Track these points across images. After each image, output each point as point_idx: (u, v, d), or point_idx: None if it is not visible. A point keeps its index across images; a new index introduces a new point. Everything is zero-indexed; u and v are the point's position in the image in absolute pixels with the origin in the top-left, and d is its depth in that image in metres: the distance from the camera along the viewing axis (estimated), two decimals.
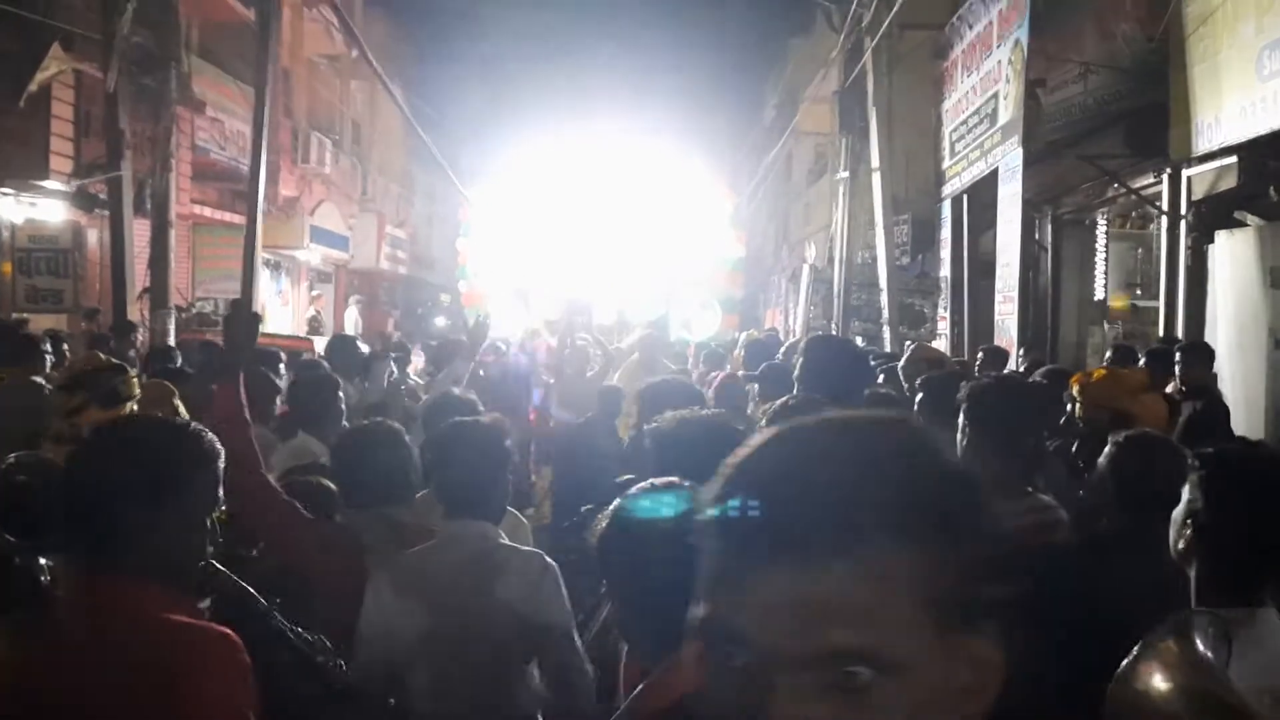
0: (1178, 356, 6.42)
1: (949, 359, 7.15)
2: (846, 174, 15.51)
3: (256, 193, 4.05)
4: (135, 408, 3.34)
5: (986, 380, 3.03)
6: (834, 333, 14.40)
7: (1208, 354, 6.68)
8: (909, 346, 9.86)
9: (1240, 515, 1.93)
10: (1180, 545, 1.99)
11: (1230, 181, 7.94)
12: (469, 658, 2.59)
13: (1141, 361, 6.83)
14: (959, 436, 2.81)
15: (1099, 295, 10.93)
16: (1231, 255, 7.90)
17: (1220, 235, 8.07)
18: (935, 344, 12.32)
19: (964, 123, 12.78)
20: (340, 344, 7.71)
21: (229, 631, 1.81)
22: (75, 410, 3.14)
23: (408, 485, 2.97)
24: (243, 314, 3.13)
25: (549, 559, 2.76)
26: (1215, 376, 7.54)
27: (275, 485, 2.86)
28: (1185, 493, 2.01)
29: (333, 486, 3.15)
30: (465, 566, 2.65)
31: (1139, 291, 10.51)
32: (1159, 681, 1.24)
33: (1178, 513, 2.01)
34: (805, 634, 0.73)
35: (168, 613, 1.81)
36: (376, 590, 2.64)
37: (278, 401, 4.70)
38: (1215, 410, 5.25)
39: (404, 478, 2.97)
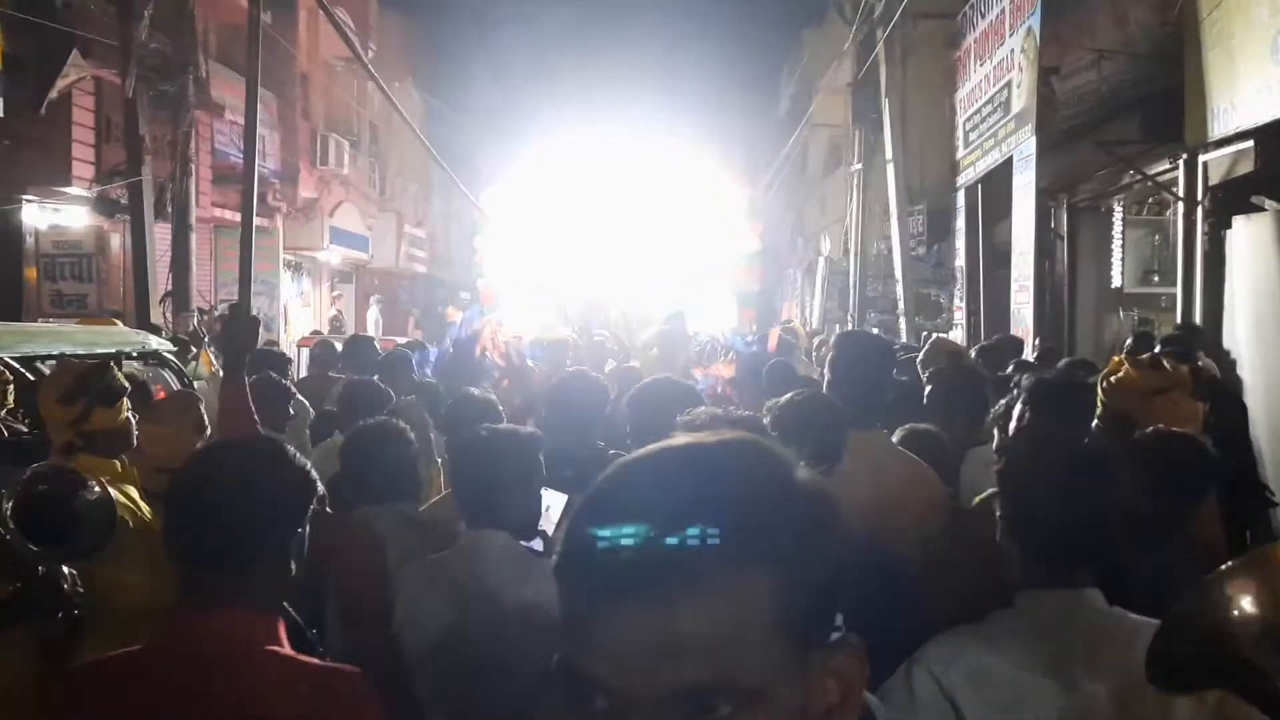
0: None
1: (968, 352, 7.14)
2: (860, 166, 15.51)
3: (252, 192, 4.05)
4: (127, 401, 3.35)
5: (1050, 374, 3.05)
6: (850, 324, 14.41)
7: (1192, 353, 6.64)
8: (925, 337, 9.81)
9: (1027, 508, 2.00)
10: (999, 536, 2.06)
11: (1247, 166, 7.88)
12: (496, 665, 2.52)
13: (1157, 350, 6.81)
14: (1014, 425, 2.84)
15: (1116, 283, 10.88)
16: (1250, 240, 7.85)
17: (1238, 220, 8.02)
18: (952, 334, 12.31)
19: (977, 112, 12.75)
20: (357, 344, 7.81)
21: (358, 671, 1.76)
22: (81, 417, 3.17)
23: (415, 481, 3.04)
24: (242, 317, 3.15)
25: None
26: (1231, 364, 7.52)
27: None
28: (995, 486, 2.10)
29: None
30: (492, 569, 2.58)
31: (1155, 278, 10.44)
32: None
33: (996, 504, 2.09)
34: (658, 673, 0.72)
35: (277, 646, 1.74)
36: (404, 589, 2.64)
37: (290, 404, 4.78)
38: (1228, 405, 5.22)
39: (411, 473, 3.03)
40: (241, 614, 1.73)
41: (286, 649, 1.76)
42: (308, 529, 1.84)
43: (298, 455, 1.89)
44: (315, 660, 1.77)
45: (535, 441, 2.69)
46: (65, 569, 2.64)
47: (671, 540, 0.73)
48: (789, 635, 0.75)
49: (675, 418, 2.70)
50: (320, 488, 1.89)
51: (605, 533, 0.75)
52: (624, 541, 0.74)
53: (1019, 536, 2.00)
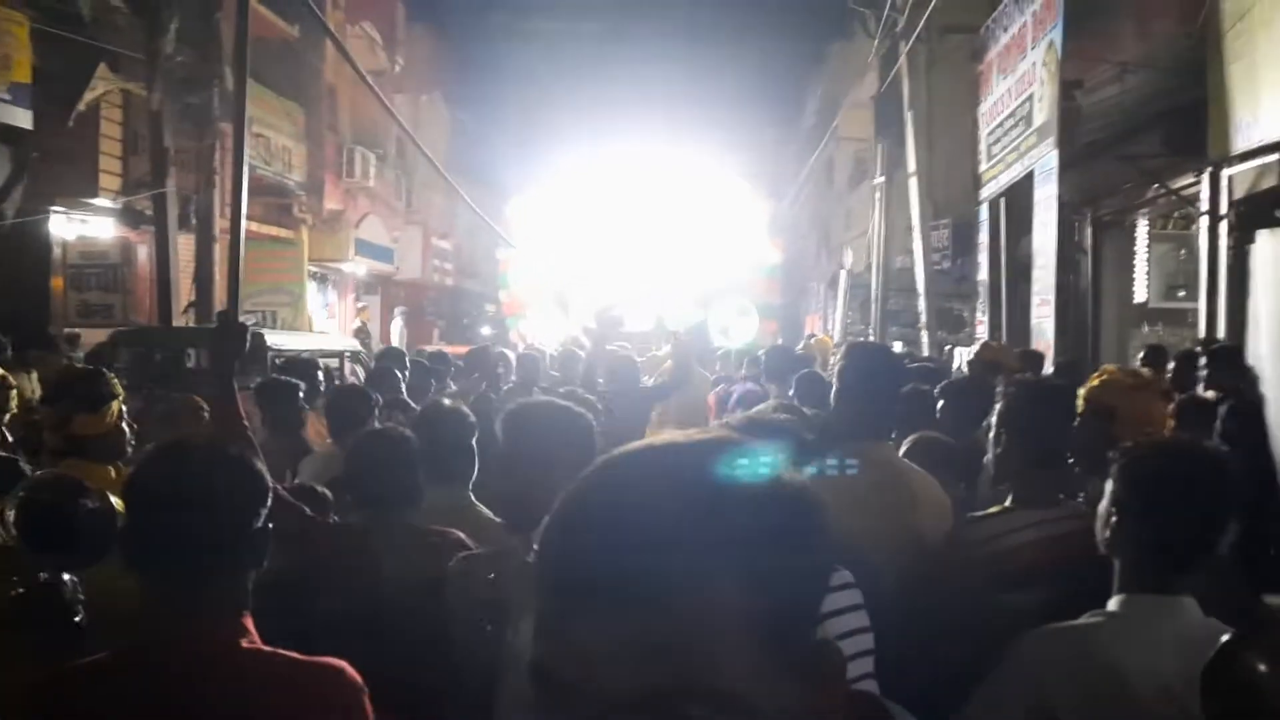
0: (1202, 362, 6.31)
1: (1010, 362, 6.97)
2: (883, 179, 15.46)
3: (240, 191, 4.01)
4: (121, 408, 3.33)
5: (1019, 385, 3.02)
6: (871, 338, 14.34)
7: (1234, 358, 6.54)
8: (946, 351, 9.71)
9: (1154, 507, 1.95)
10: (1105, 535, 2.01)
11: (1271, 180, 7.79)
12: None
13: (1171, 365, 6.77)
14: (990, 442, 2.81)
15: (1140, 297, 10.77)
16: (1273, 255, 7.73)
17: (1261, 235, 7.91)
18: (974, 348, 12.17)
19: (1000, 125, 12.67)
20: (390, 355, 8.24)
21: (344, 665, 1.76)
22: (64, 421, 3.17)
23: (416, 489, 3.02)
24: (230, 326, 3.12)
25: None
26: (1254, 380, 7.41)
27: (281, 491, 2.89)
28: (1108, 484, 2.03)
29: (328, 492, 3.20)
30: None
31: (1181, 293, 10.33)
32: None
33: (1102, 504, 2.03)
34: (632, 677, 0.71)
35: (254, 644, 1.74)
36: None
37: (302, 411, 4.81)
38: (1244, 412, 5.15)
39: (413, 482, 3.02)
40: (214, 614, 1.72)
41: (264, 646, 1.74)
42: (271, 525, 1.83)
43: (244, 452, 1.89)
44: (299, 655, 1.74)
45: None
46: (66, 576, 2.66)
47: (643, 546, 0.72)
48: (763, 640, 0.73)
49: (559, 449, 2.21)
50: (271, 486, 1.88)
51: (577, 536, 0.74)
52: (596, 546, 0.73)
53: (1130, 537, 1.95)
